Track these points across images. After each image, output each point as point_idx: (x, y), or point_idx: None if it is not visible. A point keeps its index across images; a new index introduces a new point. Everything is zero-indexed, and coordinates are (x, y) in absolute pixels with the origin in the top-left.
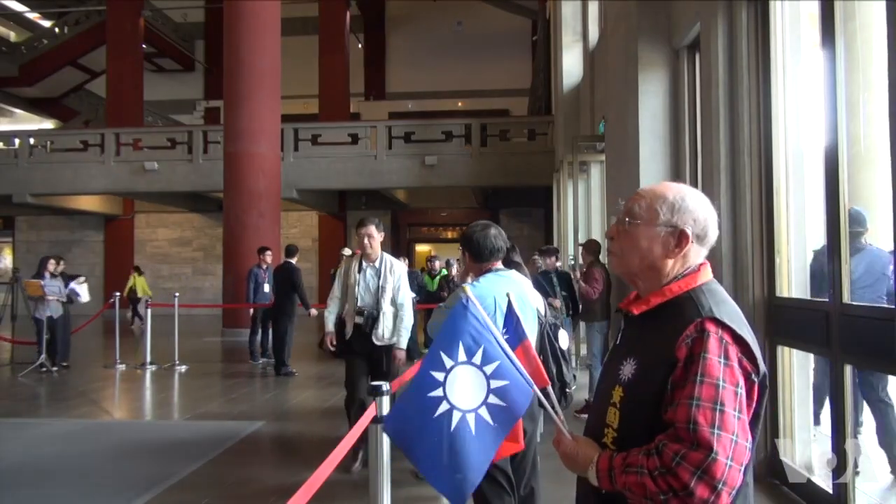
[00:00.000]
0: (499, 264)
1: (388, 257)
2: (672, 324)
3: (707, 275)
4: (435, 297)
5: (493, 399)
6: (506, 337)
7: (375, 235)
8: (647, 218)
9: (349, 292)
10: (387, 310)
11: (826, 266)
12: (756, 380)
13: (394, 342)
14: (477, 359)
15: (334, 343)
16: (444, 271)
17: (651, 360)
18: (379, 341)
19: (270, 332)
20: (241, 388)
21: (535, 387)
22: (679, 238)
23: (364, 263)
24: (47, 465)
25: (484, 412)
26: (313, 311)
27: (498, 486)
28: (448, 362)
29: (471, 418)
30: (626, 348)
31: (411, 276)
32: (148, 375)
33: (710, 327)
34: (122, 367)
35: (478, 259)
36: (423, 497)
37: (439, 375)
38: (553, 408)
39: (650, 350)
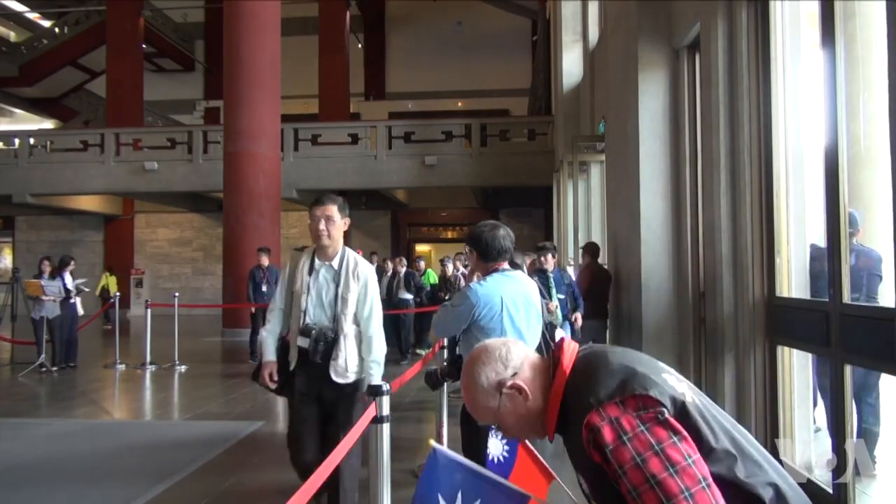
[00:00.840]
0: (505, 265)
1: (351, 254)
2: (575, 431)
3: (568, 356)
4: (436, 299)
5: None
6: (504, 443)
7: (337, 219)
8: (492, 409)
9: (294, 302)
10: (349, 331)
11: (825, 264)
12: (668, 413)
13: (358, 379)
14: None
15: (274, 377)
16: (430, 272)
17: (588, 472)
18: (338, 377)
19: None
20: (241, 388)
21: (532, 496)
22: (515, 389)
23: (317, 262)
24: (47, 465)
25: None
26: None
27: None
28: None
29: None
30: (573, 464)
31: (408, 276)
32: (148, 375)
33: (595, 420)
34: (122, 367)
35: (486, 259)
36: None
37: None
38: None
39: (583, 462)
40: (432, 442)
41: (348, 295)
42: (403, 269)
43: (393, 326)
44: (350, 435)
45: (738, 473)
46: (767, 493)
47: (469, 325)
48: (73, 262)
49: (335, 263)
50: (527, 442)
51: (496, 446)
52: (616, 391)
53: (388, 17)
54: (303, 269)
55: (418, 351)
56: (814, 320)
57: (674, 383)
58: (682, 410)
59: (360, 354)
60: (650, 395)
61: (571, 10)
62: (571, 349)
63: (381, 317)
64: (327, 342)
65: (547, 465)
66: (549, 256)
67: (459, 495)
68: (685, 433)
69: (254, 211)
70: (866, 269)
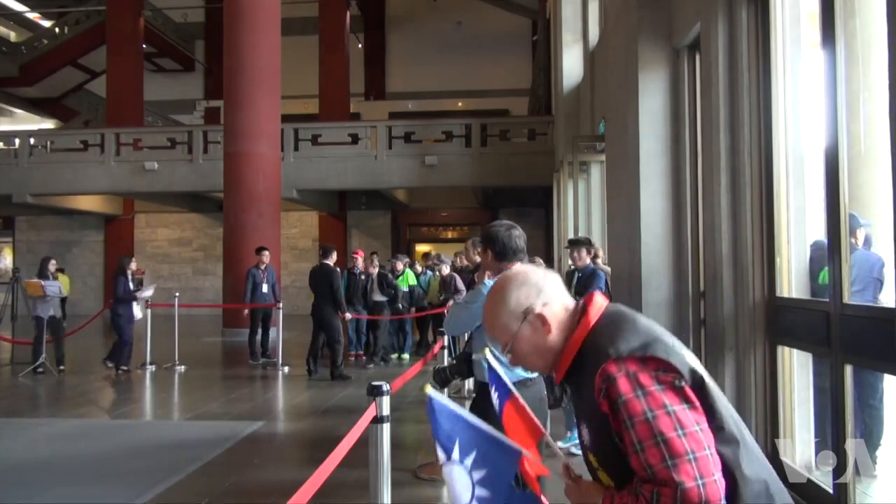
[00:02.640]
0: (518, 264)
1: None
2: (588, 380)
3: (597, 308)
4: (414, 302)
5: (479, 491)
6: (496, 395)
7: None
8: (510, 332)
9: None
10: None
11: (825, 262)
12: (684, 384)
13: None
14: (456, 454)
15: None
16: (409, 271)
17: (593, 420)
18: None
19: (270, 332)
20: (241, 388)
21: (525, 451)
22: (539, 319)
23: None
24: (47, 464)
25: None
26: (347, 315)
27: None
28: (442, 457)
29: None
30: (577, 413)
31: (381, 278)
32: (148, 375)
33: (612, 370)
34: (122, 367)
35: (501, 258)
36: (423, 497)
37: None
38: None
39: (588, 410)
40: (428, 388)
41: None
42: (376, 270)
43: (370, 331)
44: None
45: (741, 461)
46: (759, 488)
47: (482, 323)
48: (132, 262)
49: None
50: (517, 396)
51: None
52: (638, 349)
53: (388, 17)
54: None
55: (403, 356)
56: (814, 320)
57: (694, 362)
58: (700, 385)
59: None
60: (670, 362)
61: (571, 10)
62: (600, 303)
63: None
64: None
65: (536, 421)
66: (584, 253)
67: (457, 444)
68: (698, 405)
69: (254, 211)
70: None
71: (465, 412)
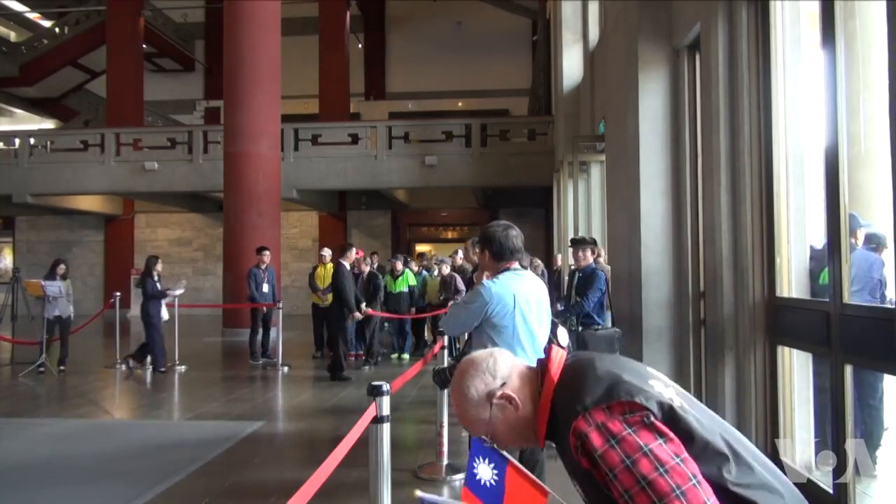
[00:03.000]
0: (516, 264)
1: None
2: (565, 441)
3: (556, 364)
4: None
5: None
6: (493, 469)
7: None
8: (484, 420)
9: None
10: None
11: (825, 264)
12: (653, 419)
13: None
14: None
15: None
16: (408, 272)
17: (580, 478)
18: None
19: (270, 332)
20: (241, 388)
21: None
22: (505, 399)
23: None
24: (47, 465)
25: None
26: (357, 315)
27: None
28: None
29: None
30: (567, 472)
31: (370, 277)
32: (148, 375)
33: (583, 426)
34: (122, 367)
35: (498, 258)
36: None
37: None
38: None
39: (574, 470)
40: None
41: None
42: (367, 269)
43: (361, 330)
44: None
45: (727, 475)
46: (759, 497)
47: (481, 323)
48: (159, 263)
49: None
50: (515, 462)
51: (485, 471)
52: (602, 397)
53: (388, 17)
54: None
55: (403, 356)
56: (814, 320)
57: (661, 389)
58: (669, 414)
59: None
60: (635, 401)
61: (571, 10)
62: (559, 357)
63: None
64: None
65: (539, 482)
66: (588, 252)
67: None
68: (672, 435)
69: (254, 211)
70: (870, 273)
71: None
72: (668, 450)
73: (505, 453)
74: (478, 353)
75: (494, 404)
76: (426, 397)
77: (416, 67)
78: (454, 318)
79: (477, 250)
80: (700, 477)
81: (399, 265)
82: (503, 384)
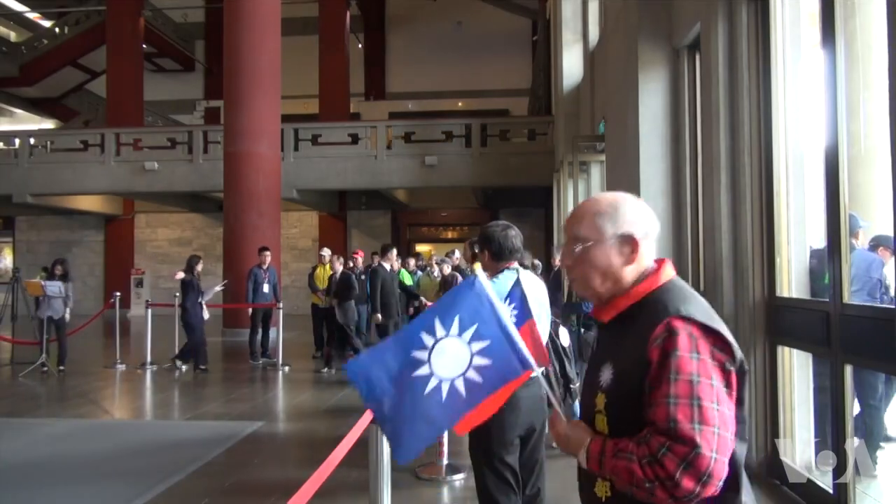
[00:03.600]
0: (515, 264)
1: None
2: (641, 326)
3: (668, 273)
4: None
5: (470, 374)
6: (514, 313)
7: None
8: (596, 237)
9: None
10: None
11: (825, 264)
12: (732, 368)
13: None
14: (467, 335)
15: None
16: (404, 271)
17: (626, 364)
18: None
19: (270, 332)
20: (241, 388)
21: (536, 367)
22: (631, 244)
23: None
24: (47, 465)
25: (459, 383)
26: (378, 316)
27: (505, 483)
28: (440, 331)
29: (445, 386)
30: (602, 355)
31: (343, 276)
32: (148, 375)
33: (678, 325)
34: (122, 367)
35: (498, 258)
36: (423, 497)
37: (428, 340)
38: (551, 388)
39: (624, 354)
40: (478, 268)
41: None
42: (341, 268)
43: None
44: None
45: (740, 458)
46: (746, 495)
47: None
48: (200, 263)
49: None
50: (535, 322)
51: (505, 310)
52: (706, 321)
53: (388, 17)
54: None
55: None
56: (814, 320)
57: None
58: (742, 377)
59: None
60: (729, 342)
61: (571, 10)
62: (670, 271)
63: None
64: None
65: (545, 350)
66: None
67: (457, 319)
68: (735, 394)
69: (254, 211)
70: (870, 273)
71: (500, 307)
72: (727, 398)
73: (532, 313)
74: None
75: (622, 241)
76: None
77: (416, 67)
78: None
79: (476, 250)
80: (732, 437)
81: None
82: (644, 238)
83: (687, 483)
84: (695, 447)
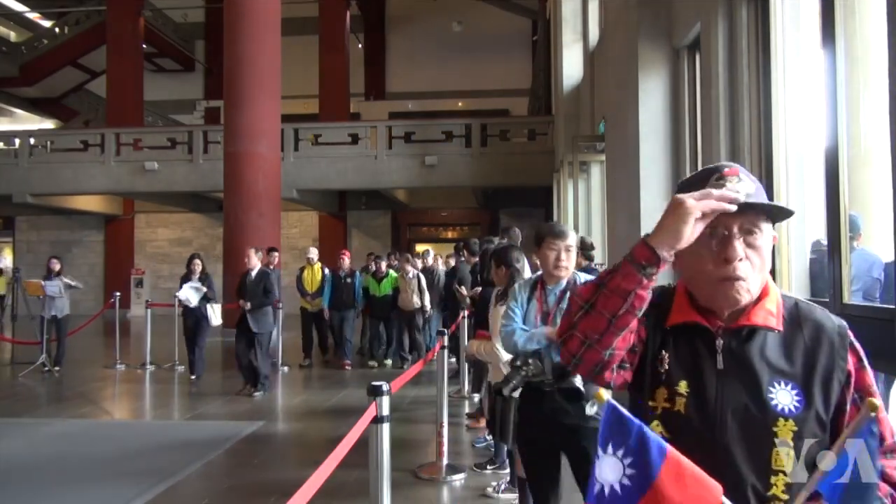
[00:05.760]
0: (528, 273)
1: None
2: (808, 333)
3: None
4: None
5: (629, 471)
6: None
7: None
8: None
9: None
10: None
11: (825, 264)
12: None
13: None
14: (609, 450)
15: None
16: (392, 273)
17: (815, 380)
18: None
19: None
20: (241, 387)
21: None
22: (772, 237)
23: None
24: (47, 465)
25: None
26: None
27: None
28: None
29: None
30: (761, 371)
31: (259, 275)
32: (148, 375)
33: (850, 334)
34: (121, 367)
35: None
36: (423, 497)
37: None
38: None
39: (807, 369)
40: (603, 393)
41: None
42: (257, 266)
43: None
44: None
45: None
46: None
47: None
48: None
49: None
50: (673, 452)
51: (614, 468)
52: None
53: (388, 17)
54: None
55: (386, 361)
56: None
57: None
58: None
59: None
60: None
61: (571, 10)
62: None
63: None
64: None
65: (706, 478)
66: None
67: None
68: None
69: (254, 211)
70: (870, 272)
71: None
72: None
73: (662, 442)
74: None
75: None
76: (426, 397)
77: (416, 67)
78: (506, 333)
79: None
80: None
81: (383, 265)
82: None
83: None
84: None
